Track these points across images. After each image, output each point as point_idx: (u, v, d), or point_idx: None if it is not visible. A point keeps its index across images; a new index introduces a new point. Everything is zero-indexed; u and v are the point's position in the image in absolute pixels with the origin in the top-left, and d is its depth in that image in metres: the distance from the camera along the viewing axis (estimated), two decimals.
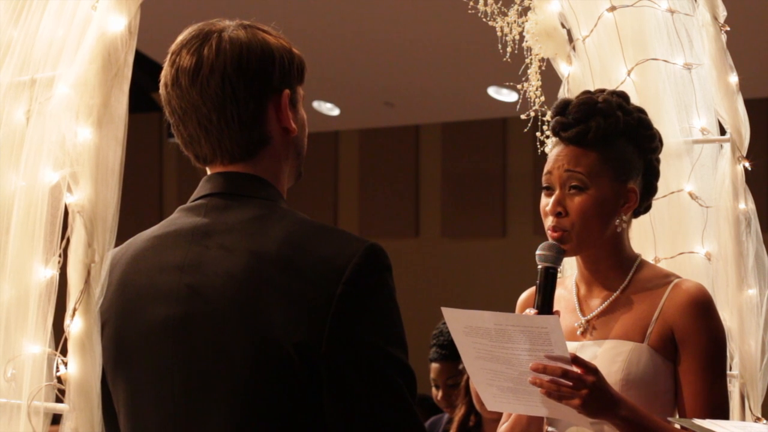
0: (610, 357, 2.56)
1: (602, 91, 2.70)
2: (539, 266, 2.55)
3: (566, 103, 2.66)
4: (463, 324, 2.43)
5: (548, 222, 2.59)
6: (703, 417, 2.46)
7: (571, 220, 2.57)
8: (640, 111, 2.68)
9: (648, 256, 2.99)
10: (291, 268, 1.90)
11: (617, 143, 2.60)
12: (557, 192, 2.59)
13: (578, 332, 2.64)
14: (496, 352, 2.41)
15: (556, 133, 2.65)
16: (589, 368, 2.41)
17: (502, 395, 2.47)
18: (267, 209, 2.00)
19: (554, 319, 2.37)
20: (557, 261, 2.56)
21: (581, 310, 2.66)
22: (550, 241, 2.58)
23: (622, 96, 2.68)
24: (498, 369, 2.43)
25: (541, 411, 2.49)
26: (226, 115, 2.00)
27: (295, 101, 2.07)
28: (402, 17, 7.25)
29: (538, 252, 2.56)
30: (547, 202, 2.60)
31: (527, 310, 2.55)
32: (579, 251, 2.62)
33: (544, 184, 2.62)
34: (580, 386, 2.39)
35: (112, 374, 2.06)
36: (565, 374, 2.38)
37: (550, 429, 2.64)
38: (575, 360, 2.40)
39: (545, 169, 2.63)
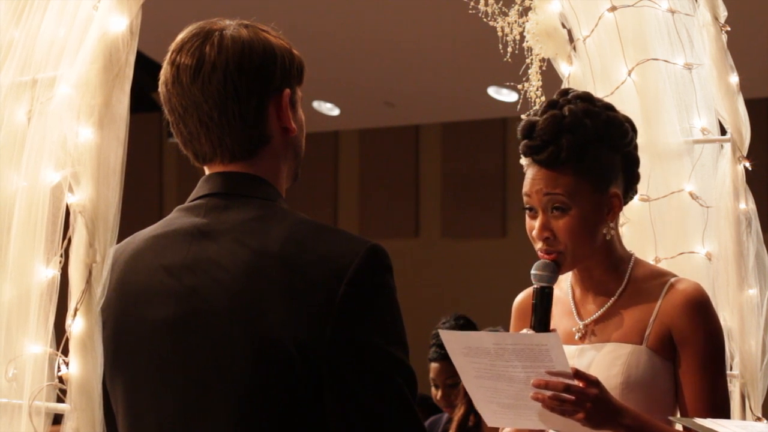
0: (609, 361, 2.56)
1: (566, 94, 2.64)
2: (535, 286, 2.55)
3: (532, 125, 2.60)
4: (462, 345, 2.41)
5: (538, 245, 2.58)
6: (705, 416, 2.46)
7: (562, 243, 2.55)
8: (608, 108, 2.63)
9: (648, 256, 2.99)
10: (292, 268, 1.90)
11: (591, 152, 2.56)
12: (541, 216, 2.57)
13: (576, 336, 2.64)
14: (497, 370, 2.40)
15: (527, 156, 2.61)
16: (591, 381, 2.40)
17: (503, 411, 2.46)
18: (267, 209, 2.00)
19: (554, 336, 2.36)
20: (552, 280, 2.55)
21: (578, 314, 2.66)
22: (545, 260, 2.57)
23: (587, 99, 2.62)
24: (498, 387, 2.42)
25: (543, 426, 2.48)
26: (227, 112, 2.00)
27: (294, 102, 2.07)
28: (402, 17, 7.25)
29: (533, 272, 2.55)
30: (532, 226, 2.59)
31: (524, 331, 2.55)
32: (573, 267, 2.62)
33: (526, 205, 2.60)
34: (583, 400, 2.37)
35: (109, 374, 2.05)
36: (567, 389, 2.37)
37: None
38: (576, 374, 2.39)
39: (524, 190, 2.60)
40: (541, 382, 2.37)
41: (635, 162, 2.65)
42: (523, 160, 2.64)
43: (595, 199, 2.56)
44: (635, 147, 2.65)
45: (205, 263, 1.95)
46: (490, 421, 2.51)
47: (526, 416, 2.44)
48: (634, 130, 2.66)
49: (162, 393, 1.96)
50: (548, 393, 2.37)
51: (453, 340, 2.43)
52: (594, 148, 2.56)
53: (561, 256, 2.56)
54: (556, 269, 2.55)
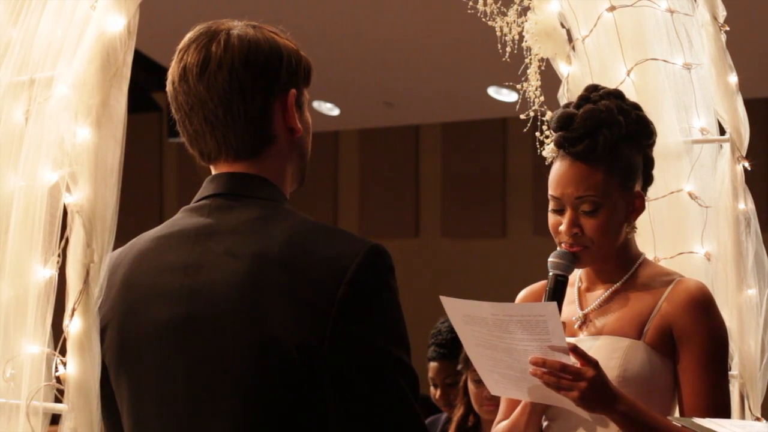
0: (607, 353, 2.57)
1: (596, 90, 2.67)
2: (550, 272, 2.57)
3: (570, 116, 2.62)
4: (461, 313, 2.45)
5: (564, 239, 2.59)
6: (704, 416, 2.46)
7: (589, 239, 2.58)
8: (636, 108, 2.67)
9: (648, 256, 2.99)
10: (294, 269, 1.91)
11: (622, 150, 2.59)
12: (570, 213, 2.59)
13: (575, 326, 2.65)
14: (495, 341, 2.42)
15: (562, 147, 2.62)
16: (590, 361, 2.42)
17: (504, 381, 2.49)
18: (270, 210, 2.00)
19: (552, 306, 2.38)
20: (568, 270, 2.58)
21: (580, 304, 2.68)
22: (564, 249, 2.58)
23: (618, 96, 2.67)
24: (498, 357, 2.45)
25: (543, 399, 2.50)
26: (232, 110, 2.00)
27: (300, 103, 2.08)
28: (402, 17, 7.24)
29: (550, 259, 2.57)
30: (558, 221, 2.60)
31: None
32: (594, 264, 2.63)
33: (555, 207, 2.61)
34: (579, 379, 2.40)
35: (115, 375, 2.06)
36: (564, 368, 2.39)
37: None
38: (575, 350, 2.41)
39: (551, 191, 2.61)
40: (538, 360, 2.39)
41: (651, 163, 2.70)
42: (550, 152, 2.66)
43: (622, 196, 2.60)
44: (651, 148, 2.69)
45: (209, 264, 1.96)
46: (492, 389, 2.54)
47: (525, 388, 2.46)
48: (655, 132, 2.70)
49: (166, 393, 1.97)
50: (545, 369, 2.38)
51: (452, 307, 2.47)
52: (624, 145, 2.60)
53: (584, 252, 2.58)
54: (573, 260, 2.58)
